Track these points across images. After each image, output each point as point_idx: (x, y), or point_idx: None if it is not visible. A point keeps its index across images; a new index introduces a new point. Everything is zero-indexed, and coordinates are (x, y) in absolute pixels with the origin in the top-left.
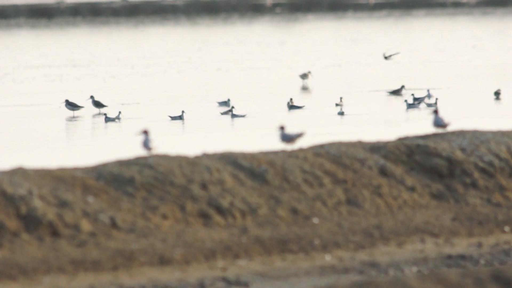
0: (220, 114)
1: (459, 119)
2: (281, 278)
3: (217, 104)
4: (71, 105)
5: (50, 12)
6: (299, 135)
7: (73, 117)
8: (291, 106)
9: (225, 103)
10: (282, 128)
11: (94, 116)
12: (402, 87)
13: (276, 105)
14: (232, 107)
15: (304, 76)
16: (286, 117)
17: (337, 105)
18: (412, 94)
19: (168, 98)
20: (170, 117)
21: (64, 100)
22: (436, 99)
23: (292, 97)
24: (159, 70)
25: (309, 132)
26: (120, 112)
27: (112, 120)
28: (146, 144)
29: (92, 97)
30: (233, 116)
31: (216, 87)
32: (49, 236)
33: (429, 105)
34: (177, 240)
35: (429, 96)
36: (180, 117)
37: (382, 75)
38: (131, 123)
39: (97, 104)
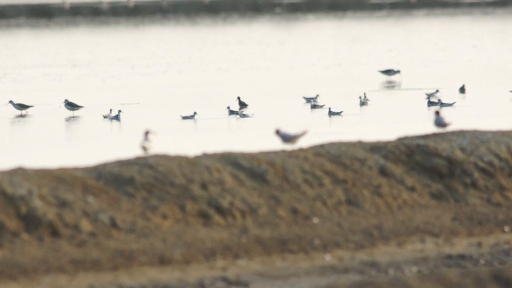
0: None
1: (460, 119)
2: (281, 278)
3: (305, 100)
4: (71, 105)
5: (50, 12)
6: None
7: (73, 117)
8: (241, 103)
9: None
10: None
11: (68, 118)
12: (463, 85)
13: (277, 105)
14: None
15: (389, 72)
16: (289, 117)
17: (360, 98)
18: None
19: (168, 98)
20: (182, 116)
21: (64, 100)
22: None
23: (239, 96)
24: (159, 70)
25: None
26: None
27: (191, 117)
28: (143, 144)
29: (66, 100)
30: (242, 116)
31: (216, 87)
32: (49, 236)
33: (445, 104)
34: (177, 240)
35: (433, 94)
36: (192, 117)
37: (381, 74)
38: (131, 123)
39: (72, 105)
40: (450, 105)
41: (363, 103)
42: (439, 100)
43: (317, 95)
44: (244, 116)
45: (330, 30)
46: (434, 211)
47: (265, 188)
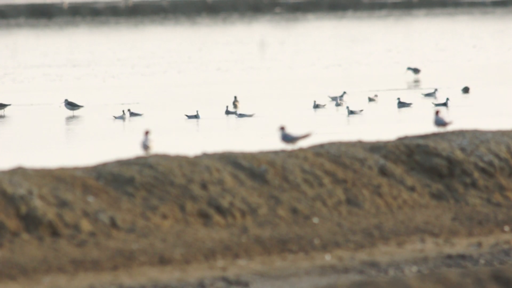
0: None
1: (460, 119)
2: (281, 278)
3: (330, 99)
4: (71, 105)
5: (50, 12)
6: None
7: (73, 117)
8: (235, 106)
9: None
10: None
11: (68, 118)
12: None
13: (277, 105)
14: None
15: (415, 70)
16: (291, 117)
17: (370, 99)
18: (398, 98)
19: (168, 98)
20: (187, 116)
21: (64, 100)
22: (447, 99)
23: (235, 95)
24: (159, 70)
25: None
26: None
27: (195, 117)
28: (144, 144)
29: (66, 100)
30: (240, 116)
31: (216, 87)
32: (49, 236)
33: (438, 104)
34: (177, 240)
35: (435, 95)
36: (196, 116)
37: (382, 74)
38: (131, 123)
39: (72, 105)
40: (408, 105)
41: (338, 104)
42: (439, 100)
43: (344, 93)
44: (241, 116)
45: (330, 30)
46: (434, 211)
47: (265, 188)
